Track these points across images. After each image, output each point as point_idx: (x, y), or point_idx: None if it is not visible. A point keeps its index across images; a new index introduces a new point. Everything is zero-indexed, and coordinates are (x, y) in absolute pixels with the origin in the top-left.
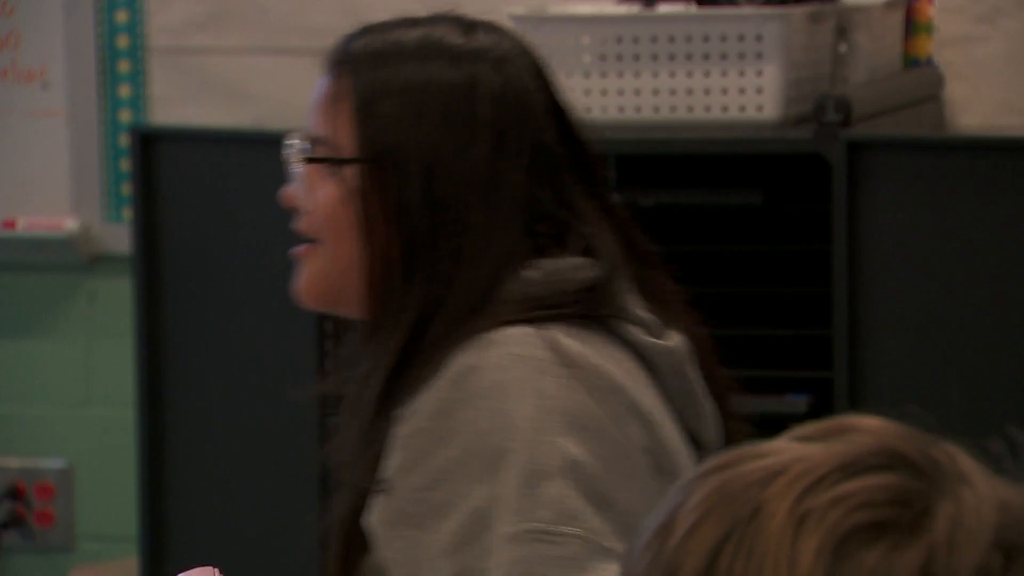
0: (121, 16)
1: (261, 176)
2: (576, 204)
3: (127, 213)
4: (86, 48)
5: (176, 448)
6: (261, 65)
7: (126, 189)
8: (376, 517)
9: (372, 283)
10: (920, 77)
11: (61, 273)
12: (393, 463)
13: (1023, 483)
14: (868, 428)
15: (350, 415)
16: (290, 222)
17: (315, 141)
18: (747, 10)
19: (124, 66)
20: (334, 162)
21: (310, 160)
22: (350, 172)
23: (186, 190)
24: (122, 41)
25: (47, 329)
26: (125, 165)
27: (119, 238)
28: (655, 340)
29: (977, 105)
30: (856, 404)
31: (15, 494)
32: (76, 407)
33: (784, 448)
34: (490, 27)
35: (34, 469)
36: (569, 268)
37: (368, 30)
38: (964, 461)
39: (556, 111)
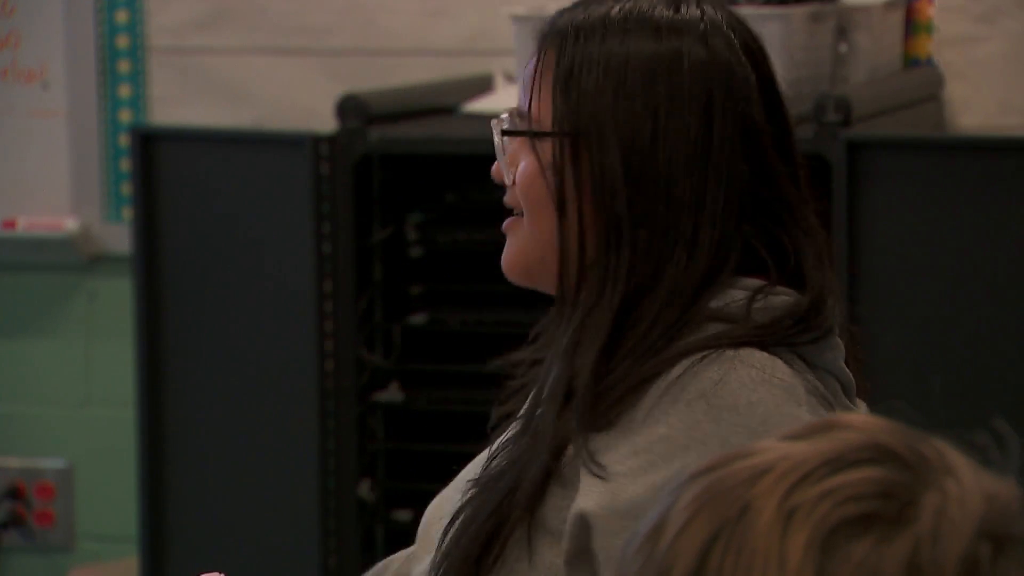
0: (121, 16)
1: (261, 176)
2: (783, 188)
3: (127, 213)
4: (86, 48)
5: (176, 448)
6: (261, 65)
7: (126, 189)
8: (601, 507)
9: (565, 260)
10: (920, 77)
11: (61, 273)
12: (629, 465)
13: (1011, 476)
14: (855, 424)
15: (545, 395)
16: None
17: (519, 115)
18: (747, 10)
19: (124, 66)
20: (530, 135)
21: (505, 132)
22: (548, 145)
23: (186, 190)
24: (122, 41)
25: (47, 329)
26: (125, 165)
27: (119, 238)
28: (847, 402)
29: (977, 105)
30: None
31: (15, 494)
32: (76, 407)
33: (772, 447)
34: (701, 1)
35: (34, 469)
36: (778, 298)
37: (577, 4)
38: (951, 455)
39: (765, 87)
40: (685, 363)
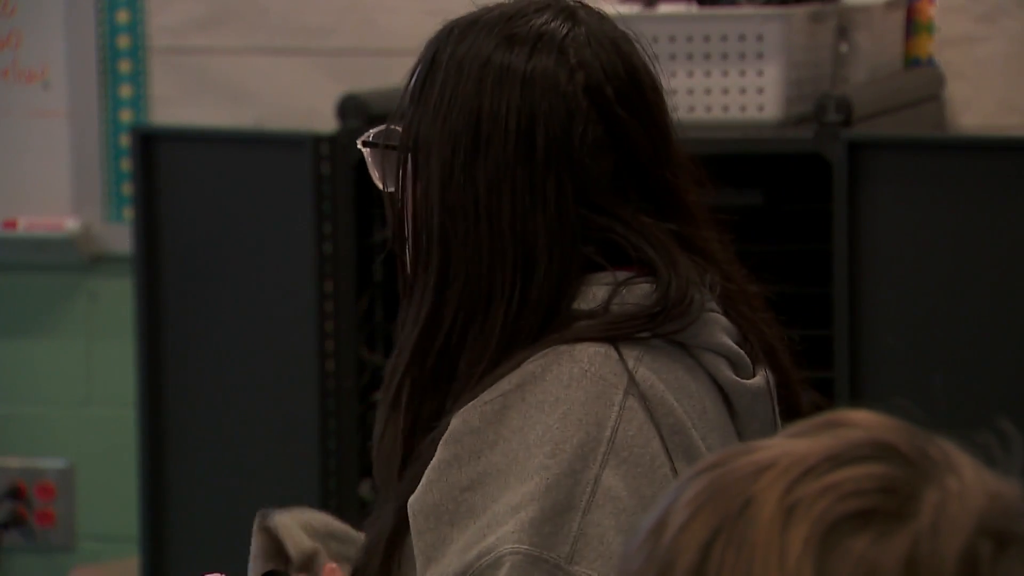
0: (122, 16)
1: (261, 176)
2: (624, 218)
3: (128, 213)
4: (87, 48)
5: (176, 448)
6: (261, 65)
7: (127, 189)
8: (415, 502)
9: (402, 270)
10: (921, 77)
11: (62, 273)
12: (441, 455)
13: (1015, 475)
14: (858, 421)
15: (382, 405)
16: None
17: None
18: (748, 10)
19: (125, 66)
20: (380, 147)
21: (364, 144)
22: (396, 159)
23: (186, 190)
24: (123, 41)
25: (48, 329)
26: (126, 165)
27: (120, 238)
28: (735, 377)
29: (977, 105)
30: (856, 404)
31: (16, 494)
32: (76, 407)
33: (774, 444)
34: (567, 13)
35: (35, 469)
36: (642, 287)
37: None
38: (954, 453)
39: (608, 115)
40: (523, 360)
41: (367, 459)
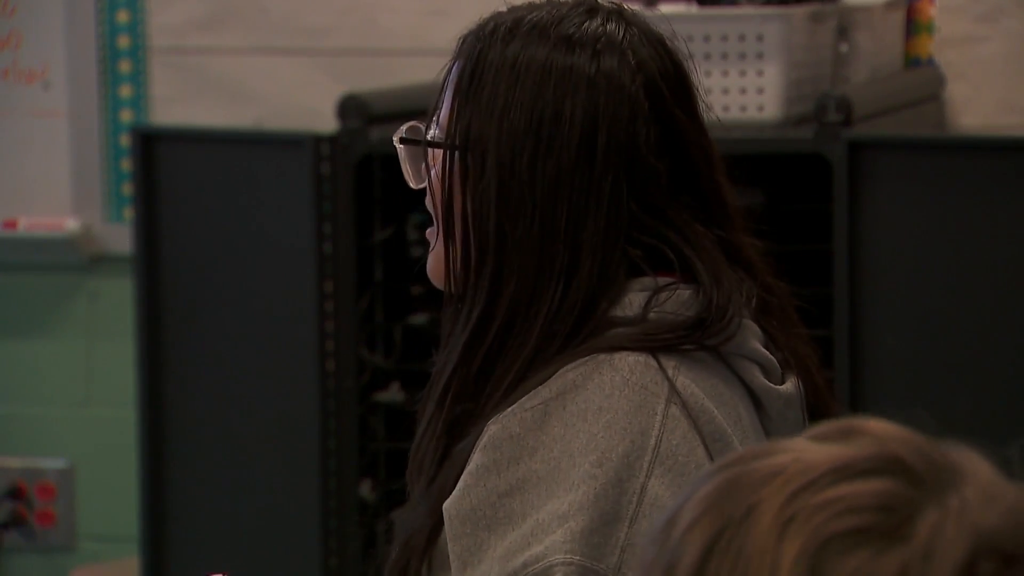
0: (122, 16)
1: (262, 176)
2: (676, 222)
3: (128, 213)
4: (87, 48)
5: (176, 448)
6: (261, 65)
7: (127, 189)
8: (452, 506)
9: (448, 273)
10: (921, 77)
11: (61, 273)
12: (479, 460)
13: None
14: (874, 432)
15: (429, 403)
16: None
17: (435, 123)
18: (748, 10)
19: (125, 66)
20: (424, 144)
21: (402, 141)
22: (442, 156)
23: (186, 190)
24: (123, 41)
25: (47, 329)
26: (126, 165)
27: (120, 238)
28: (767, 383)
29: (977, 105)
30: (856, 404)
31: (16, 494)
32: (76, 407)
33: (791, 447)
34: (614, 15)
35: (35, 469)
36: (681, 295)
37: (503, 11)
38: (970, 466)
39: (664, 115)
40: (561, 366)
41: (367, 459)
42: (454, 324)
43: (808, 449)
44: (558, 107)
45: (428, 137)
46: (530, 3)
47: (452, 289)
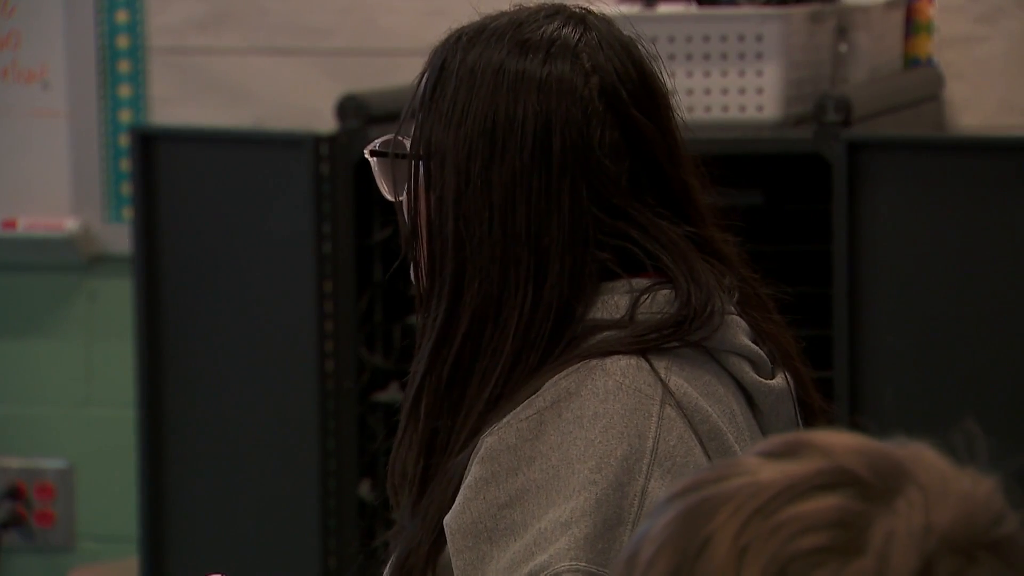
0: (121, 16)
1: (261, 176)
2: (640, 221)
3: (127, 213)
4: (86, 48)
5: (176, 448)
6: (261, 65)
7: (126, 189)
8: (452, 521)
9: (418, 283)
10: (920, 77)
11: (61, 273)
12: (477, 473)
13: (996, 476)
14: (822, 445)
15: (402, 414)
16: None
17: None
18: (747, 10)
19: (124, 66)
20: (391, 156)
21: (372, 153)
22: (408, 167)
23: (186, 190)
24: (122, 41)
25: (47, 329)
26: (125, 165)
27: (119, 238)
28: (758, 378)
29: (977, 105)
30: (856, 404)
31: (15, 494)
32: (76, 407)
33: (742, 468)
34: (576, 20)
35: (34, 469)
36: (663, 293)
37: (475, 22)
38: (921, 466)
39: (623, 118)
40: (552, 375)
41: (367, 459)
42: (423, 332)
43: (758, 469)
44: (510, 111)
45: (394, 149)
46: (500, 11)
47: (420, 299)
